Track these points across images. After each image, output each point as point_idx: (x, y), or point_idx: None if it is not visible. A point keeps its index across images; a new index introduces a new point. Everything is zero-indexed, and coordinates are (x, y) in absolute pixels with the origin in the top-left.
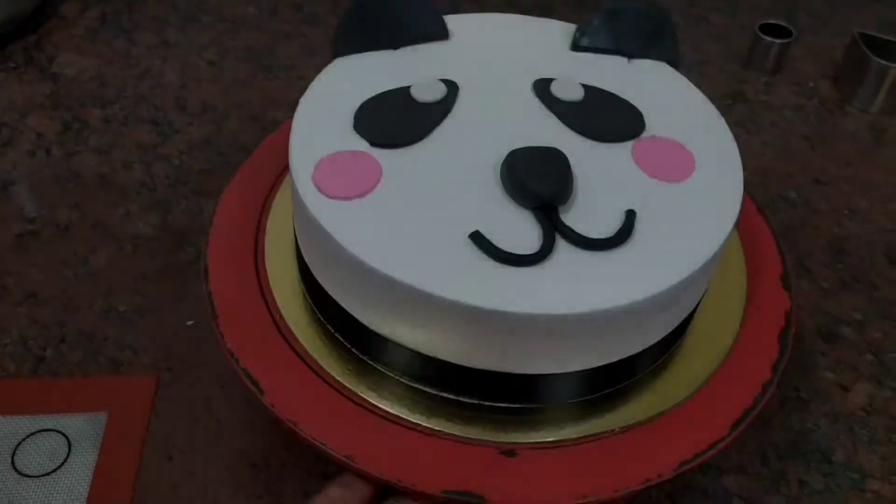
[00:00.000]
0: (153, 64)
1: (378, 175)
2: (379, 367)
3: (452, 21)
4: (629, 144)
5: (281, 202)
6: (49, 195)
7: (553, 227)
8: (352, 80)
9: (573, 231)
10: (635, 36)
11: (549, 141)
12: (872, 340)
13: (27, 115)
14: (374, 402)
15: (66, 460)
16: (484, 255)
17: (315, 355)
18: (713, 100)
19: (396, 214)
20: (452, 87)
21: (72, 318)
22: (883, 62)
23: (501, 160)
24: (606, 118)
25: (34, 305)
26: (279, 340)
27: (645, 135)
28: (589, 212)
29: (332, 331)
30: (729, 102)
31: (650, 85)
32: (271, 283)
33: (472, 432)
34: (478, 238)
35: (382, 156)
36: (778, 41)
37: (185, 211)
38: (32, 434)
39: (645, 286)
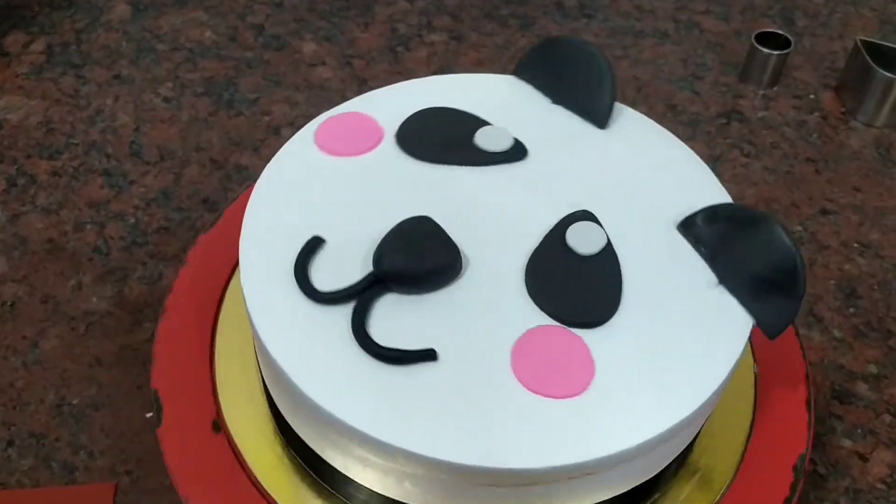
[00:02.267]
0: (104, 104)
1: None
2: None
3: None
4: None
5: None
6: None
7: None
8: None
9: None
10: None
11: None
12: (890, 398)
13: None
14: None
15: None
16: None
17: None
18: (708, 120)
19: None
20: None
21: (20, 417)
22: (888, 74)
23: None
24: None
25: None
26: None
27: None
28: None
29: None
30: (724, 122)
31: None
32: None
33: None
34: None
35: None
36: (776, 53)
37: (141, 279)
38: None
39: (606, 444)
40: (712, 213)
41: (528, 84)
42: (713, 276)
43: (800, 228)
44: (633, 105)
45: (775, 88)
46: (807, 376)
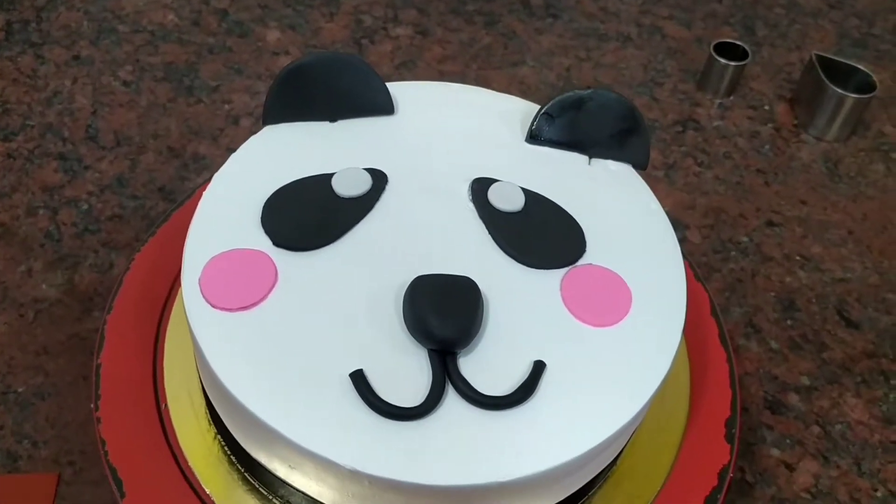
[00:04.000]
0: (62, 85)
1: (271, 284)
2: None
3: (402, 90)
4: (561, 273)
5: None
6: None
7: (445, 377)
8: (273, 159)
9: (467, 384)
10: (601, 133)
11: (472, 261)
12: (819, 410)
13: None
14: None
15: None
16: (361, 402)
17: (195, 464)
18: (665, 127)
19: (279, 338)
20: (379, 180)
21: None
22: (840, 91)
23: (408, 283)
24: (542, 239)
25: None
26: (162, 444)
27: (582, 261)
28: (494, 358)
29: (219, 437)
30: (680, 130)
31: (605, 196)
32: (165, 371)
33: None
34: (358, 380)
35: (282, 259)
36: (733, 64)
37: (92, 267)
38: None
39: (535, 461)
40: (547, 116)
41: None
42: (584, 157)
43: (746, 239)
44: None
45: (731, 98)
46: (733, 400)
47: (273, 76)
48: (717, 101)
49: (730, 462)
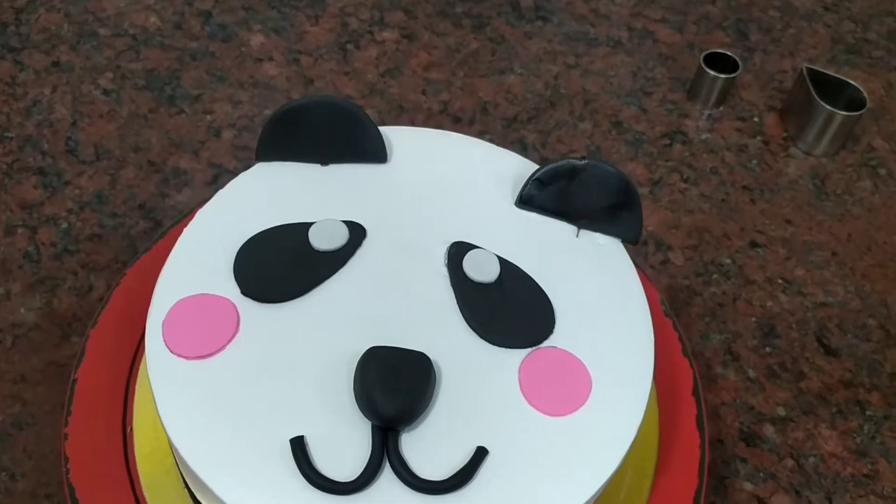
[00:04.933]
0: (42, 94)
1: (231, 334)
2: None
3: (399, 136)
4: (523, 354)
5: None
6: None
7: (383, 453)
8: (257, 199)
9: (404, 464)
10: (593, 204)
11: (433, 333)
12: (794, 442)
13: None
14: None
15: None
16: (296, 470)
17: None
18: (652, 140)
19: (230, 392)
20: (357, 235)
21: None
22: (829, 108)
23: (363, 351)
24: (510, 315)
25: None
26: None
27: (546, 343)
28: (437, 438)
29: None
30: (667, 143)
31: (586, 273)
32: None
33: None
34: (296, 448)
35: (247, 309)
36: (722, 76)
37: (71, 290)
38: None
39: None
40: (538, 182)
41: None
42: (573, 228)
43: (729, 261)
44: (580, 120)
45: (721, 108)
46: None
47: (255, 84)
48: (706, 112)
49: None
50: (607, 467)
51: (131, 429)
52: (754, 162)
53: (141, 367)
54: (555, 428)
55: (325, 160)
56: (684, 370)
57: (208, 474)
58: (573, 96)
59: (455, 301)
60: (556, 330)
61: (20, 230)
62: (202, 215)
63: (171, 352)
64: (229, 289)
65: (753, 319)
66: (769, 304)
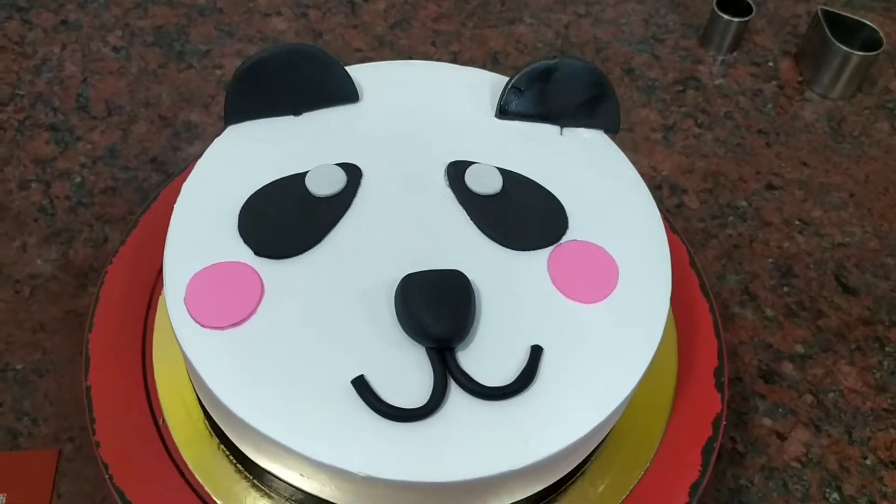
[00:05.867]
0: (51, 52)
1: (258, 297)
2: (265, 489)
3: (363, 73)
4: (547, 253)
5: None
6: None
7: (446, 372)
8: (241, 161)
9: (468, 378)
10: (569, 101)
11: (458, 251)
12: (813, 378)
13: None
14: None
15: None
16: (366, 406)
17: (200, 476)
18: (665, 87)
19: (274, 352)
20: (354, 175)
21: None
22: (845, 48)
23: (398, 281)
24: (524, 219)
25: None
26: (164, 458)
27: (566, 238)
28: (491, 348)
29: (222, 446)
30: (680, 90)
31: (581, 167)
32: (157, 382)
33: None
34: (361, 386)
35: (266, 270)
36: (736, 20)
37: (87, 241)
38: None
39: (543, 446)
40: (516, 89)
41: None
42: (556, 128)
43: (745, 204)
44: None
45: (735, 54)
46: (720, 348)
47: (264, 38)
48: (720, 57)
49: (722, 410)
50: (652, 340)
51: (163, 420)
52: (769, 106)
53: (154, 354)
54: (594, 315)
55: (297, 110)
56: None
57: (283, 435)
58: (584, 45)
59: (467, 217)
60: (570, 224)
61: (34, 185)
62: (188, 187)
63: (203, 326)
64: (242, 252)
65: (770, 260)
66: (786, 244)
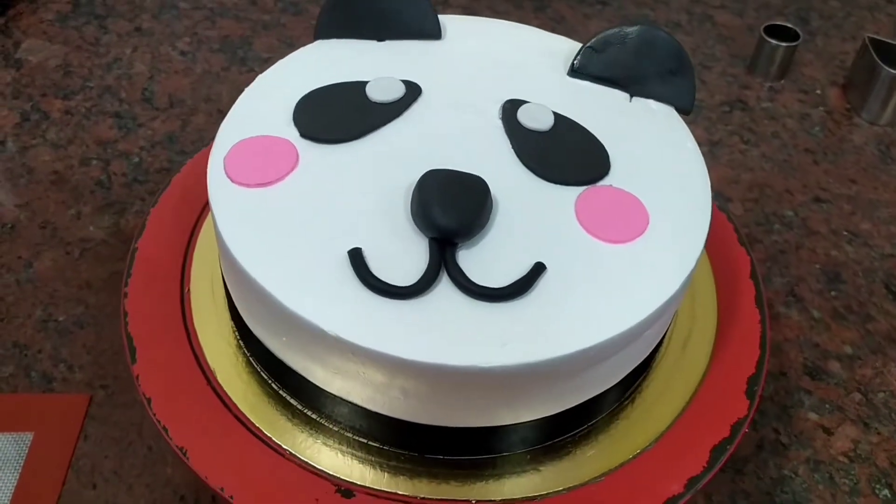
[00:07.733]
0: (123, 53)
1: (290, 168)
2: (314, 416)
3: (451, 22)
4: (578, 191)
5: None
6: None
7: (441, 263)
8: (318, 65)
9: (461, 273)
10: (645, 71)
11: (489, 167)
12: (861, 378)
13: None
14: (310, 461)
15: None
16: (355, 278)
17: (244, 408)
18: (712, 107)
19: (288, 215)
20: (413, 90)
21: (6, 329)
22: (894, 72)
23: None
24: (565, 156)
25: None
26: (207, 391)
27: (603, 182)
28: (495, 255)
29: (266, 378)
30: (727, 110)
31: (639, 129)
32: (195, 319)
33: (422, 489)
34: (355, 257)
35: (305, 148)
36: (784, 44)
37: (139, 213)
38: None
39: (521, 353)
40: (591, 50)
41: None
42: (625, 95)
43: (791, 213)
44: None
45: (782, 81)
46: (761, 359)
47: None
48: (768, 84)
49: (746, 417)
50: (666, 289)
51: (188, 289)
52: (817, 129)
53: (201, 234)
54: (612, 253)
55: (380, 36)
56: (741, 256)
57: (270, 284)
58: None
59: (510, 145)
60: (611, 172)
61: (94, 162)
62: (262, 77)
63: (233, 181)
64: (289, 132)
65: (817, 266)
66: (834, 253)
